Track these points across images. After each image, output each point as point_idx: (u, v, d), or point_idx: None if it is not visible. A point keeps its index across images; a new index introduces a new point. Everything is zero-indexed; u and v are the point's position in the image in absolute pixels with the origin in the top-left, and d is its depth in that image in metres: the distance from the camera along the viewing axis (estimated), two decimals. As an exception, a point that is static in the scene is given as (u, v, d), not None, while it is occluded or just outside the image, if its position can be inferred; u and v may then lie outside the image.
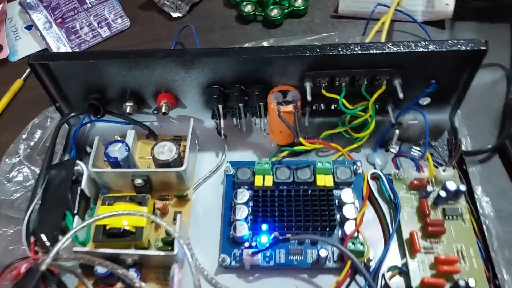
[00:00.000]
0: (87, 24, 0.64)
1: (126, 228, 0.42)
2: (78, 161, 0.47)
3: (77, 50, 0.64)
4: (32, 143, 0.55)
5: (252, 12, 0.65)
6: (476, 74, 0.46)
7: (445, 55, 0.44)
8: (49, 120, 0.56)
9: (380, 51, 0.43)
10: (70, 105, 0.52)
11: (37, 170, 0.52)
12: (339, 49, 0.44)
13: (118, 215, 0.39)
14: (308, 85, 0.47)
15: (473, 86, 0.48)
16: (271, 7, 0.65)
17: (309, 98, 0.46)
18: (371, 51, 0.44)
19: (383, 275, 0.42)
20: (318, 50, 0.44)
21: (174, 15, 0.67)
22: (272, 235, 0.44)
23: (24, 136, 0.55)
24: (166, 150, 0.46)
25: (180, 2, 0.66)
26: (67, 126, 0.54)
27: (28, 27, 0.66)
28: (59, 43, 0.64)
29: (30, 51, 0.64)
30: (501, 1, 0.54)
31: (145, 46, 0.64)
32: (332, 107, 0.51)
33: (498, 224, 0.45)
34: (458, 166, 0.48)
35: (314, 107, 0.51)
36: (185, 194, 0.47)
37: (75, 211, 0.44)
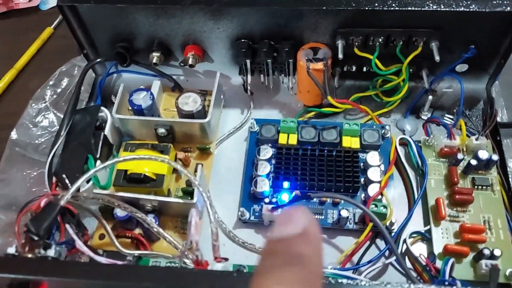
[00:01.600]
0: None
1: (147, 174, 0.41)
2: (102, 108, 0.47)
3: None
4: (59, 90, 0.55)
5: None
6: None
7: (487, 16, 0.41)
8: (76, 68, 0.56)
9: (419, 8, 0.41)
10: (97, 53, 0.51)
11: (62, 116, 0.52)
12: (376, 4, 0.42)
13: (140, 159, 0.38)
14: (340, 43, 0.45)
15: (512, 58, 0.46)
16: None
17: (340, 56, 0.45)
18: (409, 8, 0.42)
19: (404, 240, 0.41)
20: (353, 4, 0.42)
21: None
22: (293, 193, 0.43)
23: (51, 83, 0.55)
24: (191, 101, 0.45)
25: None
26: (94, 75, 0.54)
27: (60, -24, 0.66)
28: (89, -6, 0.63)
29: (61, 0, 0.64)
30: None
31: None
32: (364, 69, 0.49)
33: (530, 199, 0.43)
34: (492, 137, 0.46)
35: (345, 69, 0.49)
36: (207, 147, 0.46)
37: (97, 156, 0.44)
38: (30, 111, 0.53)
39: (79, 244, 0.36)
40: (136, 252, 0.39)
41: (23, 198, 0.47)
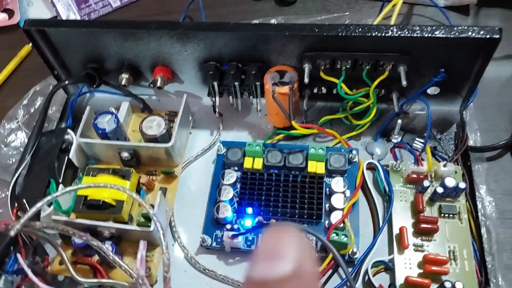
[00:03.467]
0: (98, -7, 0.64)
1: (106, 200, 0.41)
2: (68, 130, 0.46)
3: (86, 19, 0.63)
4: (32, 110, 0.55)
5: (266, -11, 0.63)
6: (494, 66, 0.43)
7: (453, 42, 0.40)
8: (51, 87, 0.56)
9: (382, 34, 0.41)
10: (69, 74, 0.51)
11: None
12: (339, 30, 0.41)
13: (95, 187, 0.38)
14: (306, 67, 0.45)
15: (490, 79, 0.45)
16: (285, -17, 0.62)
17: (306, 80, 0.44)
18: (372, 34, 0.41)
19: (367, 269, 0.40)
20: (316, 30, 0.42)
21: (186, -12, 0.65)
22: (256, 219, 0.42)
23: (25, 102, 0.55)
24: (155, 125, 0.45)
25: (192, -25, 0.64)
26: (66, 95, 0.53)
27: (41, -6, 0.66)
28: (69, 11, 0.63)
29: (41, 18, 0.64)
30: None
31: (154, 18, 0.63)
32: (334, 91, 0.48)
33: (500, 226, 0.42)
34: (463, 162, 0.45)
35: (315, 91, 0.48)
36: (172, 171, 0.46)
37: (60, 180, 0.44)
38: (2, 130, 0.53)
39: (30, 274, 0.35)
40: (91, 281, 0.39)
41: (-11, 221, 0.48)
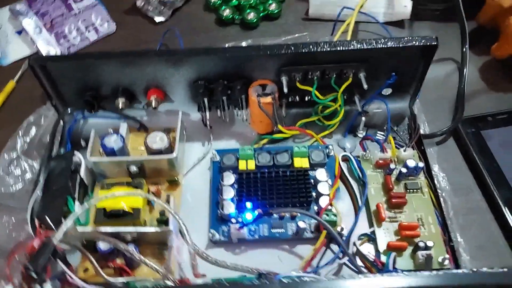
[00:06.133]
0: (75, 28, 0.68)
1: (125, 209, 0.46)
2: (76, 152, 0.51)
3: (66, 53, 0.68)
4: (28, 139, 0.58)
5: (231, 16, 0.71)
6: (432, 67, 0.53)
7: (402, 50, 0.50)
8: (43, 117, 0.60)
9: (346, 48, 0.50)
10: (64, 102, 0.56)
11: (35, 164, 0.56)
12: (311, 47, 0.50)
13: (120, 196, 0.43)
14: (284, 79, 0.53)
15: (430, 78, 0.55)
16: (248, 11, 0.71)
17: (285, 90, 0.52)
18: (338, 48, 0.50)
19: (354, 242, 0.48)
20: (293, 48, 0.50)
21: (157, 19, 0.72)
22: (256, 212, 0.49)
23: (20, 133, 0.58)
24: (158, 140, 0.51)
25: (162, 7, 0.71)
26: (61, 123, 0.58)
27: (19, 32, 0.70)
28: (49, 47, 0.67)
29: (21, 55, 0.68)
30: (452, 3, 0.62)
31: (131, 48, 0.69)
32: (306, 98, 0.56)
33: (454, 196, 0.52)
34: (418, 147, 0.54)
35: (290, 99, 0.57)
36: (176, 179, 0.51)
37: (76, 197, 0.48)
38: (3, 161, 0.56)
39: (72, 276, 0.40)
40: (122, 279, 0.43)
41: (6, 244, 0.51)
